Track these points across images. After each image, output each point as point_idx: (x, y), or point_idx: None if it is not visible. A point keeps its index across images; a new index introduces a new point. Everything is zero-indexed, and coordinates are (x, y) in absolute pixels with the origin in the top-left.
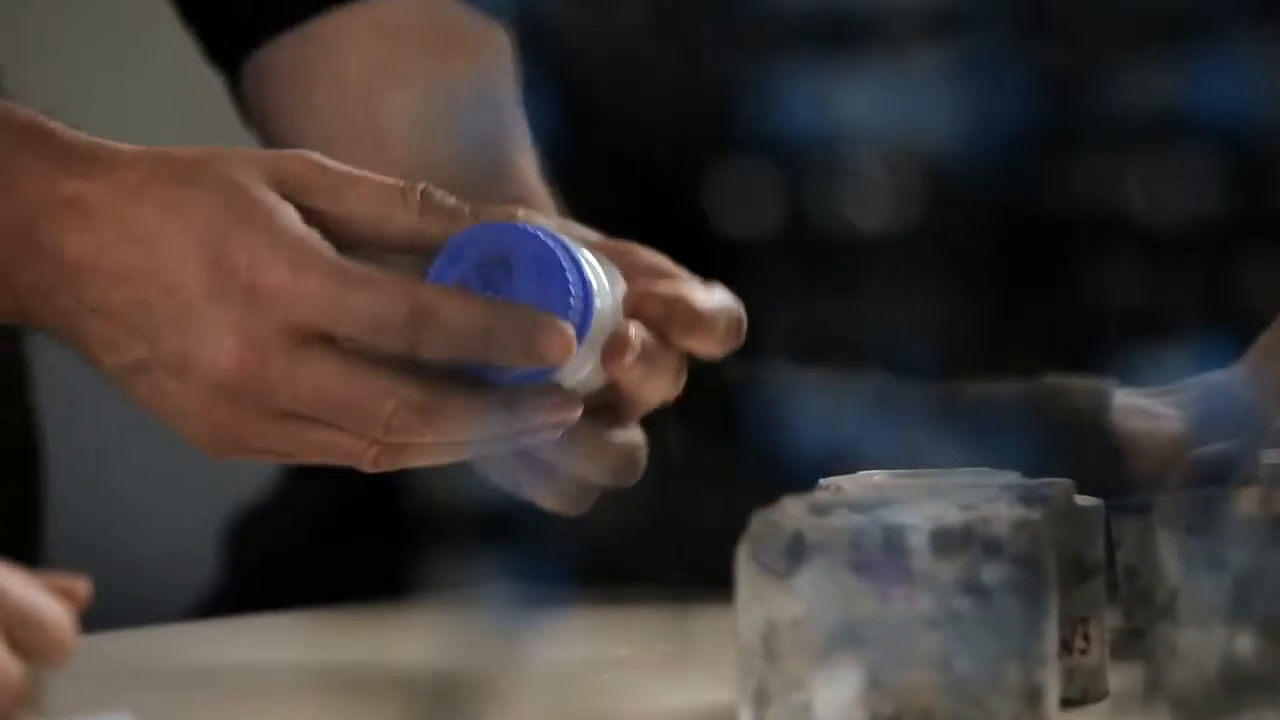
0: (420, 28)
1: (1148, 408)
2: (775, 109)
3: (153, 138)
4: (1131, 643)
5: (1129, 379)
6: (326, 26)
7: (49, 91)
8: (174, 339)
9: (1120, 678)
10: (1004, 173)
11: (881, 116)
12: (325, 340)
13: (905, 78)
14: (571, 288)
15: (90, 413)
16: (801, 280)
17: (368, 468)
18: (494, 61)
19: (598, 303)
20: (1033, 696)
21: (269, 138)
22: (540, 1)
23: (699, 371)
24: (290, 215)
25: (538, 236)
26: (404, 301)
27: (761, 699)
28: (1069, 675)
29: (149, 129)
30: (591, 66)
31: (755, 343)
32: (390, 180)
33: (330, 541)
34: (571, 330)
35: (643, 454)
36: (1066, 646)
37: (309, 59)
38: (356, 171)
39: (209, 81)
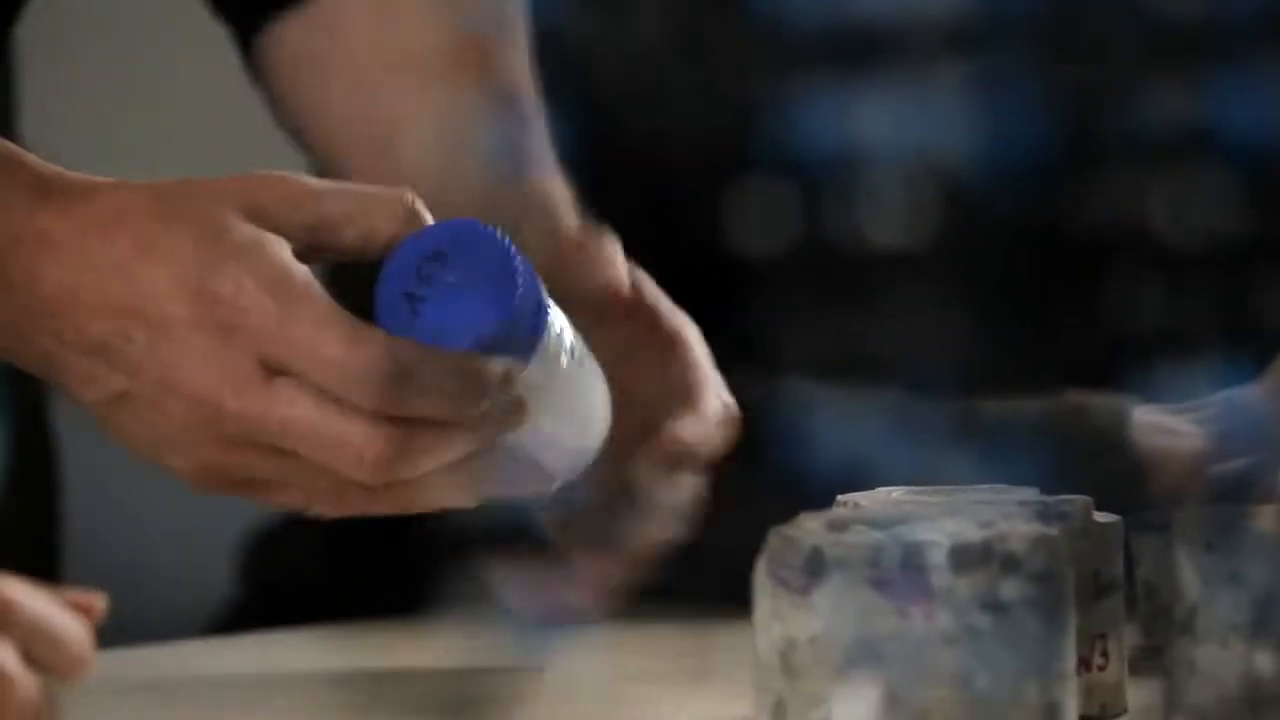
0: (436, 28)
1: (1167, 425)
2: (795, 126)
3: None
4: (1150, 659)
5: (1148, 396)
6: (338, 9)
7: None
8: (154, 369)
9: (1139, 694)
10: (1024, 190)
11: (901, 134)
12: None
13: (925, 95)
14: (519, 282)
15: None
16: (820, 298)
17: (355, 508)
18: (511, 63)
19: (551, 312)
20: (1051, 713)
21: (280, 115)
22: (560, 19)
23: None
24: (276, 247)
25: (485, 233)
26: (388, 360)
27: (780, 715)
28: (1088, 692)
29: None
30: (611, 85)
31: (774, 360)
32: (374, 189)
33: (347, 557)
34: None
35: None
36: (1085, 663)
37: (321, 45)
38: (337, 184)
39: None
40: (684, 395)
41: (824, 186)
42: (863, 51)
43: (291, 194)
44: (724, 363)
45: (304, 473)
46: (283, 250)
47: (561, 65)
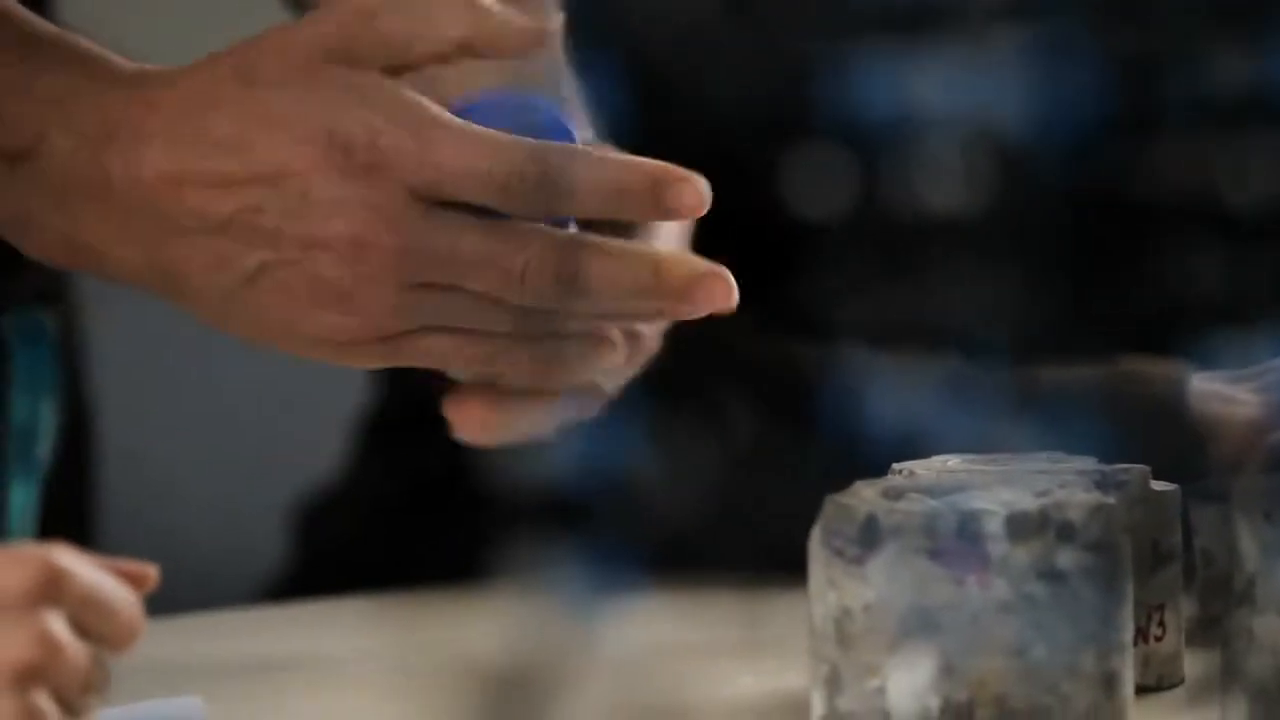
0: None
1: (1225, 392)
2: (850, 92)
3: None
4: (1208, 630)
5: (1206, 363)
6: None
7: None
8: (295, 229)
9: (1197, 665)
10: (1080, 157)
11: (957, 100)
12: (449, 205)
13: (982, 61)
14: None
15: (157, 397)
16: (876, 264)
17: (507, 362)
18: None
19: None
20: (1108, 683)
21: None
22: None
23: (771, 356)
24: (390, 82)
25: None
26: (534, 163)
27: (834, 685)
28: (1145, 662)
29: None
30: (665, 48)
31: (829, 327)
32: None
33: (399, 525)
34: (703, 182)
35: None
36: (1142, 633)
37: None
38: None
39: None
40: None
41: (880, 152)
42: (920, 15)
43: (376, 37)
44: (779, 329)
45: (465, 308)
46: (395, 83)
47: (613, 29)
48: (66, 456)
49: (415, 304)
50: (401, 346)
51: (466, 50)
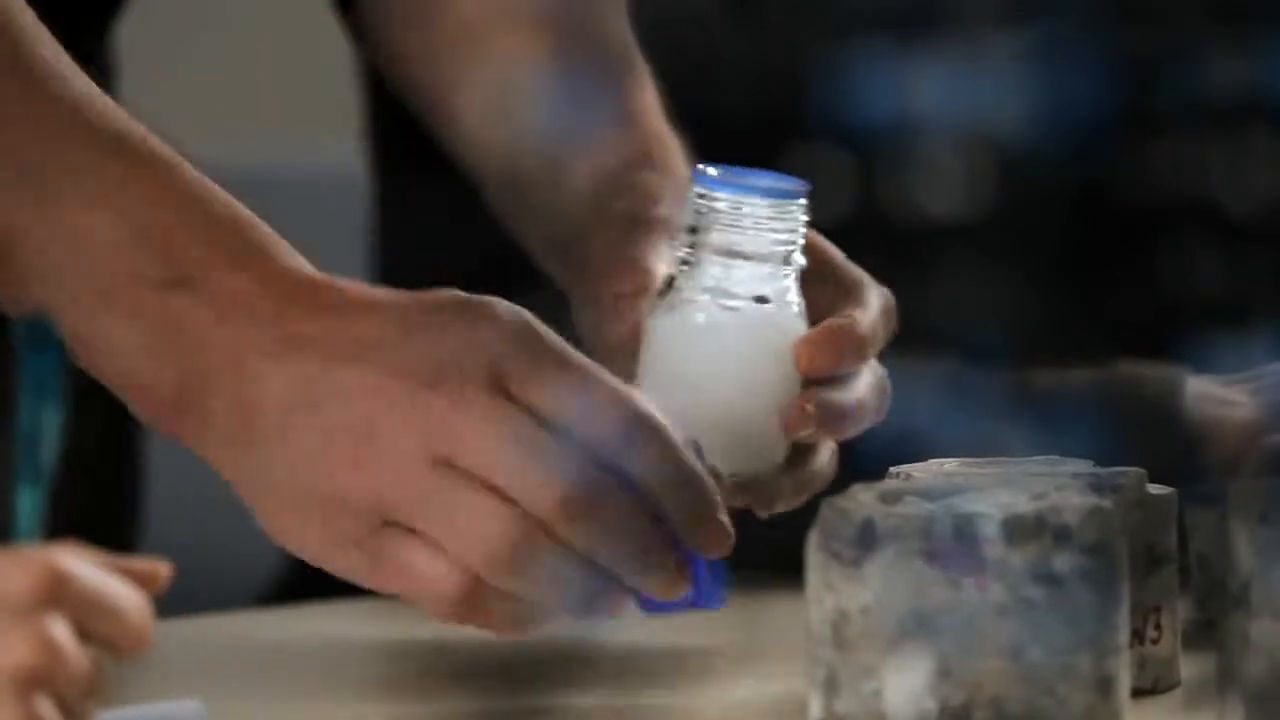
0: None
1: (1221, 395)
2: (849, 94)
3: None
4: (1204, 632)
5: (1203, 366)
6: None
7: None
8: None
9: (1192, 667)
10: (1079, 158)
11: (956, 102)
12: None
13: (981, 62)
14: None
15: None
16: (875, 267)
17: (445, 602)
18: (608, 17)
19: None
20: (1104, 686)
21: (385, 68)
22: None
23: None
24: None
25: None
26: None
27: (831, 687)
28: (1141, 664)
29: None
30: (664, 53)
31: None
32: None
33: None
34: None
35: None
36: (1138, 636)
37: (425, 5)
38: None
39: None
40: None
41: (878, 155)
42: (919, 18)
43: (529, 374)
44: None
45: (473, 509)
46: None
47: None
48: (115, 461)
49: (429, 481)
50: (386, 547)
51: None
